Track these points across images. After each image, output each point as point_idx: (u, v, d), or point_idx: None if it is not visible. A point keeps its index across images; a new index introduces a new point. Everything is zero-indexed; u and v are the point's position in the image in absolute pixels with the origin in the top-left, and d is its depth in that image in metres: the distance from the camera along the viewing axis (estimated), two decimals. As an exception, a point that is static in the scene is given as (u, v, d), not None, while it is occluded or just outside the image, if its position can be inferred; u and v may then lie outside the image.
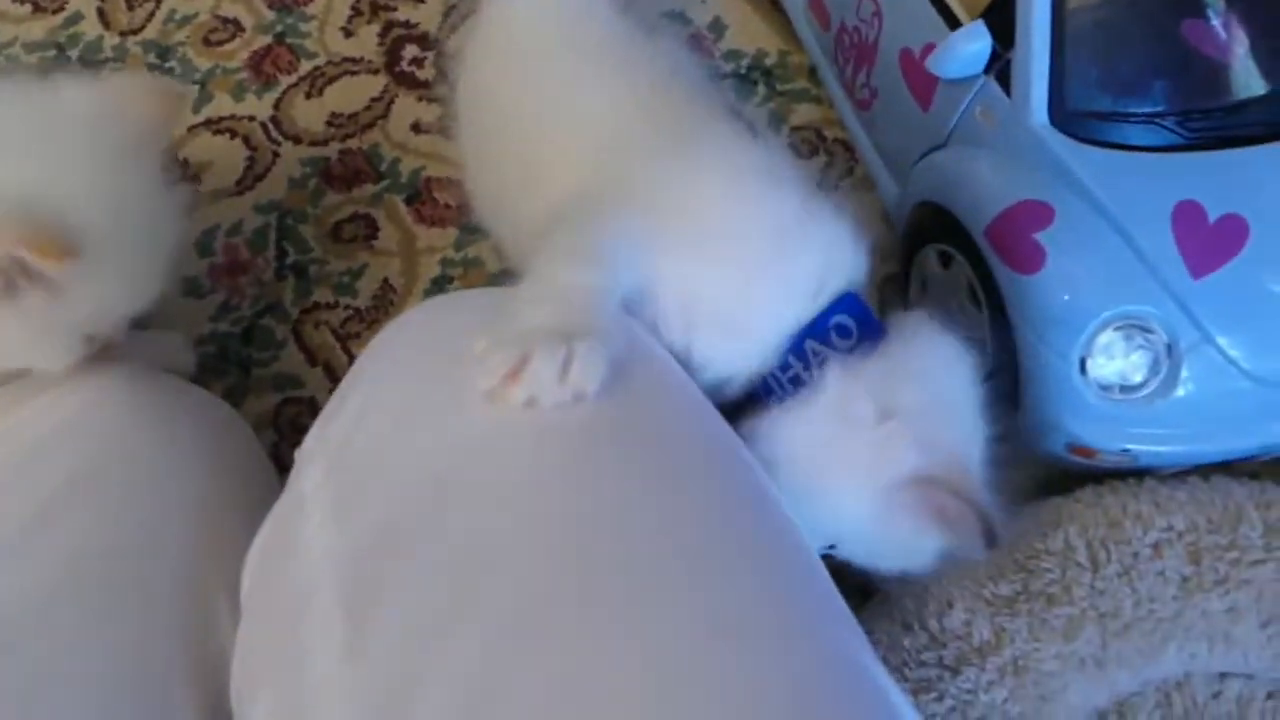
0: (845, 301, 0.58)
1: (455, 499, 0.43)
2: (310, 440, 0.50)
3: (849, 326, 0.58)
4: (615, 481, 0.42)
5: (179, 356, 0.78)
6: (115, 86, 0.60)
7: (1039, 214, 0.61)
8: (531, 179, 0.63)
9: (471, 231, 0.84)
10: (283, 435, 0.76)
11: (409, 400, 0.48)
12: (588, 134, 0.61)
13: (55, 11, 0.95)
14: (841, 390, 0.55)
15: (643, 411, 0.46)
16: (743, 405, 0.57)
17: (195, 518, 0.53)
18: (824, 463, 0.55)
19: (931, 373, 0.57)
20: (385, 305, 0.81)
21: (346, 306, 0.81)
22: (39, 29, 0.94)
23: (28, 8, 0.96)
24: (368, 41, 0.93)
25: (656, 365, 0.50)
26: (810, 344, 0.57)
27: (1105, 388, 0.61)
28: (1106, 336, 0.60)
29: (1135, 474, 0.66)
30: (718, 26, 0.93)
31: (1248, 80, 0.63)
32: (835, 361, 0.56)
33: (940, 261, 0.70)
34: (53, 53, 0.93)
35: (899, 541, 0.56)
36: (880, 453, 0.54)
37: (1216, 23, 0.64)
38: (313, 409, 0.77)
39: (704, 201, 0.56)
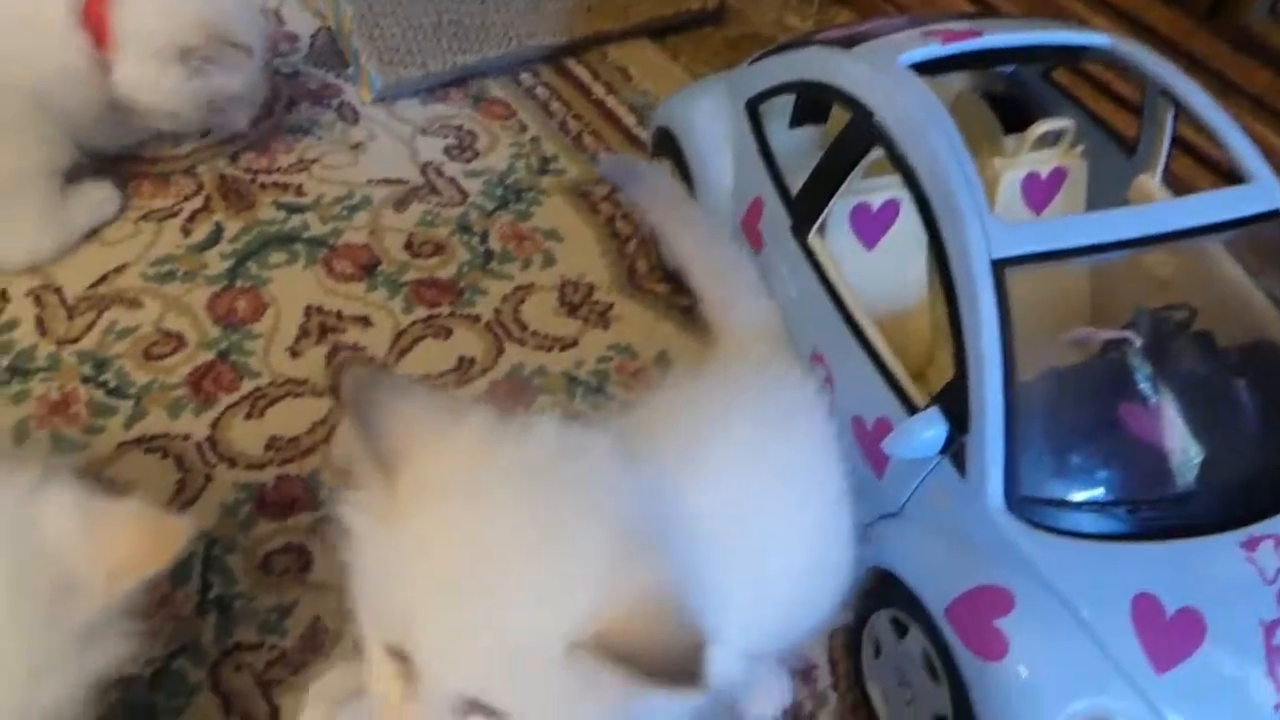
0: None
1: None
2: None
3: None
4: None
5: (78, 710, 0.71)
6: (108, 516, 0.55)
7: (999, 600, 0.61)
8: None
9: (409, 568, 0.80)
10: (187, 800, 0.69)
11: None
12: None
13: (-10, 316, 0.94)
14: None
15: None
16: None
17: None
18: None
19: None
20: (315, 647, 0.76)
21: (272, 647, 0.76)
22: (-29, 333, 0.92)
23: (-39, 312, 0.94)
24: (314, 362, 0.93)
25: None
26: None
27: (1074, 783, 0.59)
28: (1073, 730, 0.59)
29: None
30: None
31: (1189, 472, 0.65)
32: None
33: (894, 627, 0.69)
34: (-17, 358, 0.90)
35: None
36: None
37: (1153, 411, 0.67)
38: (224, 771, 0.70)
39: None
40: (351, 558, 0.52)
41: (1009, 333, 0.62)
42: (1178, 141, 0.81)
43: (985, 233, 0.63)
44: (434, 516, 0.49)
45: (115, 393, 0.89)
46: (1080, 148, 0.85)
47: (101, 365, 0.91)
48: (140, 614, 0.57)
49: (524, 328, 0.97)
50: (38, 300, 0.95)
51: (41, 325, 0.93)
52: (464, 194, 1.09)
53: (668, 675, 0.47)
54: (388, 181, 1.10)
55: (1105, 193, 0.84)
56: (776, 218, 0.81)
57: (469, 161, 1.13)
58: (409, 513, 0.49)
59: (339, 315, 0.96)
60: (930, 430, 0.64)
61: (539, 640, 0.48)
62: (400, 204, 1.07)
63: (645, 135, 1.13)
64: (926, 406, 0.65)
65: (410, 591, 0.49)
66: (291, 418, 0.89)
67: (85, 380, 0.90)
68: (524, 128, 1.17)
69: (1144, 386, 0.68)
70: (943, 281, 0.65)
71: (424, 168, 1.11)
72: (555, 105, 1.20)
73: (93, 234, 1.01)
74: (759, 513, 0.58)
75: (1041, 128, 0.82)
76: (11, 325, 0.93)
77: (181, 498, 0.83)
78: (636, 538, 0.50)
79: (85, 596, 0.53)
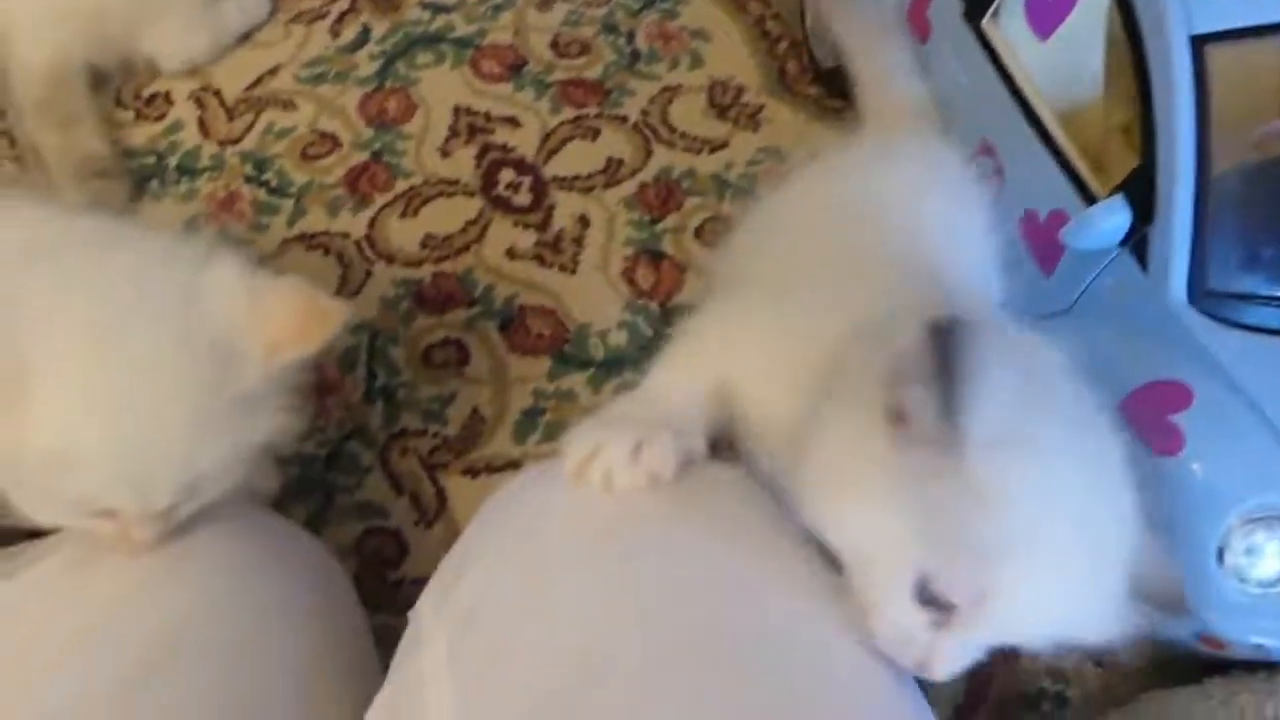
0: None
1: (606, 682, 0.40)
2: (425, 611, 0.48)
3: None
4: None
5: (263, 478, 0.76)
6: (269, 290, 0.55)
7: (1176, 395, 0.59)
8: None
9: (564, 362, 0.82)
10: (365, 566, 0.74)
11: (539, 578, 0.45)
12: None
13: (158, 118, 0.96)
14: None
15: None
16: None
17: (297, 682, 0.50)
18: None
19: None
20: (474, 435, 0.79)
21: (435, 434, 0.79)
22: (141, 135, 0.95)
23: (130, 113, 0.96)
24: (464, 163, 0.93)
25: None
26: None
27: (1242, 579, 0.59)
28: (1246, 526, 0.58)
29: (1265, 665, 0.62)
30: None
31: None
32: None
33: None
34: (152, 159, 0.93)
35: None
36: None
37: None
38: (397, 542, 0.75)
39: None
40: (884, 501, 0.46)
41: (1205, 116, 0.59)
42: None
43: (1184, 3, 0.59)
44: (1021, 475, 0.44)
45: (277, 191, 0.91)
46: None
47: (262, 165, 0.93)
48: (300, 392, 0.58)
49: (672, 129, 0.96)
50: (199, 102, 0.97)
51: (204, 126, 0.96)
52: (609, -8, 1.06)
53: (1171, 605, 0.48)
54: (531, -20, 1.07)
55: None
56: (947, 3, 0.77)
57: (613, -41, 1.09)
58: (984, 470, 0.44)
59: (487, 116, 0.96)
60: (1112, 219, 0.61)
61: (1112, 590, 0.46)
62: (544, 3, 1.05)
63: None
64: (1110, 194, 0.62)
65: (1004, 555, 0.44)
66: (445, 217, 0.90)
67: (248, 180, 0.92)
68: (669, -78, 1.12)
69: (1347, 182, 0.63)
70: (1134, 60, 0.61)
71: (567, -35, 1.08)
72: (701, -103, 1.15)
73: (245, 37, 1.01)
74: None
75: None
76: (176, 127, 0.95)
77: (344, 291, 0.86)
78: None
79: (244, 366, 0.53)
